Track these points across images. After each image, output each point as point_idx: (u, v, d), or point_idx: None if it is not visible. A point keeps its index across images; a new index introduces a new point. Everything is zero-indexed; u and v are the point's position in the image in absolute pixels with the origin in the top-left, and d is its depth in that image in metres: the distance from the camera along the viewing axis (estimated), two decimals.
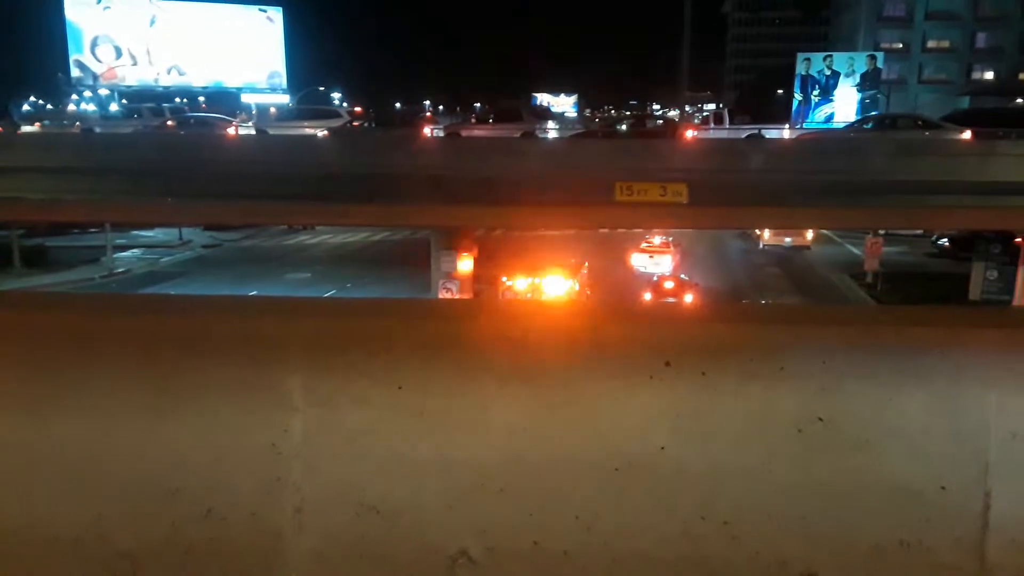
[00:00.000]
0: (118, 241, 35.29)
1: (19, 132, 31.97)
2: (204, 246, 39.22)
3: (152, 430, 2.07)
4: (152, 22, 49.95)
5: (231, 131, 28.70)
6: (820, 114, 44.95)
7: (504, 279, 24.86)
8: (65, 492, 2.09)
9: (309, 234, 42.37)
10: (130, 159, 18.28)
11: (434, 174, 16.98)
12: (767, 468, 2.00)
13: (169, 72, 51.02)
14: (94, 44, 49.15)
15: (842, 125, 34.21)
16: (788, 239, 38.16)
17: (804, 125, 41.31)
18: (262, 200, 17.52)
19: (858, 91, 45.55)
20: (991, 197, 16.00)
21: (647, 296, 26.44)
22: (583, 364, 2.05)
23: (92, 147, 20.68)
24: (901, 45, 64.46)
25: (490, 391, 2.05)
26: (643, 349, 2.04)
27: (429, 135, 26.73)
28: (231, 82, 52.85)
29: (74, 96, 55.42)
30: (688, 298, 26.04)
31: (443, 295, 22.92)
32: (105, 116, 42.35)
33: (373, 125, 30.09)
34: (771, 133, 32.54)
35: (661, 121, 38.58)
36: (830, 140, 26.78)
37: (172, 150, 19.87)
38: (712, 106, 60.87)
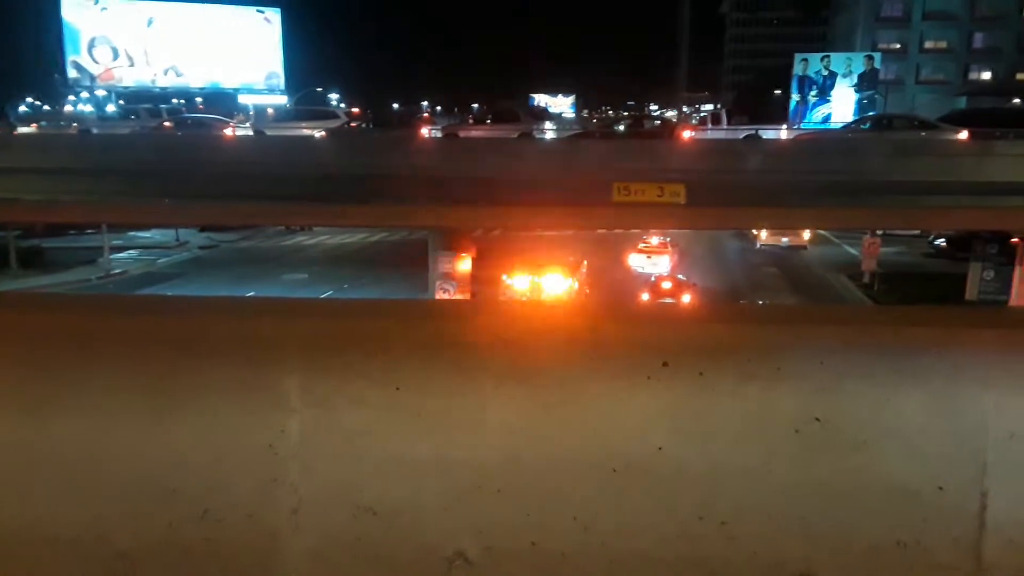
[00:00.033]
0: (115, 242, 35.26)
1: (15, 133, 31.93)
2: (201, 247, 39.19)
3: (150, 430, 2.07)
4: (149, 23, 49.84)
5: (228, 132, 28.69)
6: (817, 114, 44.96)
7: (505, 277, 24.93)
8: (63, 492, 2.08)
9: (307, 235, 42.36)
10: (127, 160, 18.25)
11: (432, 175, 16.97)
12: (765, 468, 2.00)
13: (166, 73, 50.91)
14: (91, 45, 49.01)
15: (839, 125, 34.26)
16: (785, 239, 38.26)
17: (801, 125, 41.33)
18: (260, 201, 17.49)
19: (856, 91, 45.58)
20: (988, 197, 16.02)
21: (645, 296, 26.47)
22: (581, 364, 2.05)
23: (89, 148, 20.65)
24: (899, 45, 64.56)
25: (487, 391, 2.05)
26: (641, 349, 2.04)
27: (427, 136, 26.74)
28: (228, 83, 52.74)
29: (71, 97, 55.34)
30: (686, 298, 26.07)
31: (441, 296, 22.91)
32: (102, 117, 42.37)
33: (371, 126, 30.11)
34: (768, 133, 32.59)
35: (659, 122, 38.69)
36: (827, 140, 26.81)
37: (169, 151, 19.85)
38: (710, 106, 61.01)
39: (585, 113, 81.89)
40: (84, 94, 52.99)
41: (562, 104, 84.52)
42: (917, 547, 1.98)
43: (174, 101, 49.49)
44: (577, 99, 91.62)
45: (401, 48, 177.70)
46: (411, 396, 2.04)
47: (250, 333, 2.14)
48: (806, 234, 38.34)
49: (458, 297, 22.64)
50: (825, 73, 45.71)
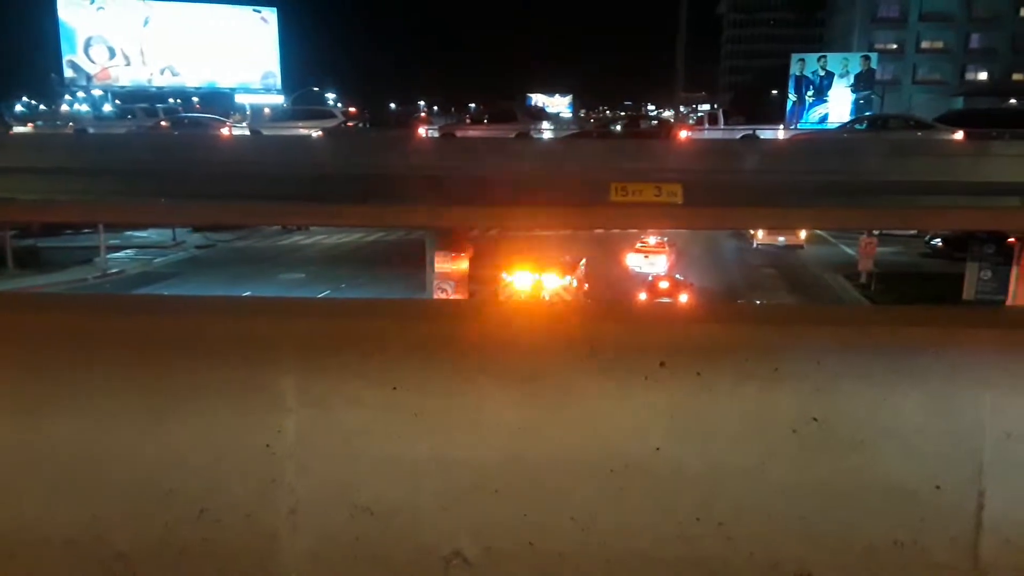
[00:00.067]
0: (111, 242, 35.17)
1: (11, 133, 31.89)
2: (198, 247, 39.14)
3: (147, 431, 2.07)
4: (146, 22, 49.77)
5: (225, 132, 28.68)
6: (814, 115, 44.98)
7: (504, 275, 24.95)
8: (61, 492, 2.08)
9: (303, 235, 42.32)
10: (124, 160, 18.28)
11: (429, 175, 17.00)
12: (763, 468, 2.00)
13: (163, 73, 50.85)
14: (87, 44, 48.95)
15: (836, 126, 34.30)
16: (782, 239, 38.38)
17: (798, 126, 41.38)
18: (256, 201, 17.49)
19: (852, 92, 45.61)
20: (985, 198, 16.08)
21: (642, 296, 26.49)
22: (578, 364, 2.04)
23: (85, 148, 20.66)
24: (895, 46, 64.64)
25: (485, 392, 2.04)
26: (638, 349, 2.04)
27: (424, 136, 26.74)
28: (225, 83, 52.69)
29: (67, 97, 55.27)
30: (683, 298, 26.09)
31: (438, 295, 22.91)
32: (99, 117, 42.34)
33: (367, 126, 30.09)
34: (765, 134, 32.64)
35: (656, 122, 38.73)
36: (824, 141, 26.87)
37: (166, 151, 19.87)
38: (707, 107, 61.11)
39: (582, 113, 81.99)
40: (80, 94, 52.92)
41: (559, 104, 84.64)
42: (914, 547, 1.98)
43: (170, 101, 49.41)
44: (574, 99, 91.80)
45: (398, 48, 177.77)
46: (408, 396, 2.04)
47: (246, 333, 2.13)
48: (802, 234, 38.42)
49: (455, 297, 22.64)
50: (822, 73, 45.76)
